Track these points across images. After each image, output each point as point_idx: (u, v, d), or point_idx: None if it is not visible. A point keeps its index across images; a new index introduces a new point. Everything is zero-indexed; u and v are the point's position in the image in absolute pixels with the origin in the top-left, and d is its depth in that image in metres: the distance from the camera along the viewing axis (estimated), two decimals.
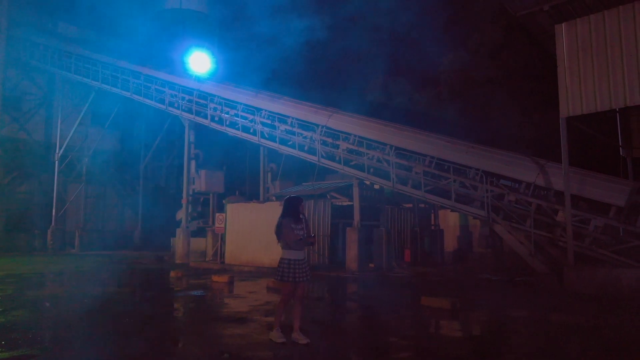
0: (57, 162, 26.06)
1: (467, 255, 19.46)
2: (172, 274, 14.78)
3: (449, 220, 21.80)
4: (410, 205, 19.24)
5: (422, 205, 19.54)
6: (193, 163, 20.47)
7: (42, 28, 28.03)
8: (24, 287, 11.85)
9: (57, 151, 26.14)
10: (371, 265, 16.52)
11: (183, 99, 20.49)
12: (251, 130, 18.45)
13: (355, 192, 16.18)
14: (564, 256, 12.10)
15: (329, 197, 17.98)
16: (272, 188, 21.65)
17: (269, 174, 21.72)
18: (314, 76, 26.31)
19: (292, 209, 6.54)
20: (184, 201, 20.32)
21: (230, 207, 17.75)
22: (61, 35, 28.35)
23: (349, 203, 18.02)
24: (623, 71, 11.50)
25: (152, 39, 28.96)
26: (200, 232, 21.55)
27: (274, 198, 18.99)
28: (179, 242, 19.98)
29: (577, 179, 12.78)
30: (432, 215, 20.13)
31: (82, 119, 26.24)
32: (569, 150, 12.54)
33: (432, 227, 19.97)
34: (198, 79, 21.44)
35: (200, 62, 26.47)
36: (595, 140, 14.73)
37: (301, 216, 6.62)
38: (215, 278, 13.54)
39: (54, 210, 25.83)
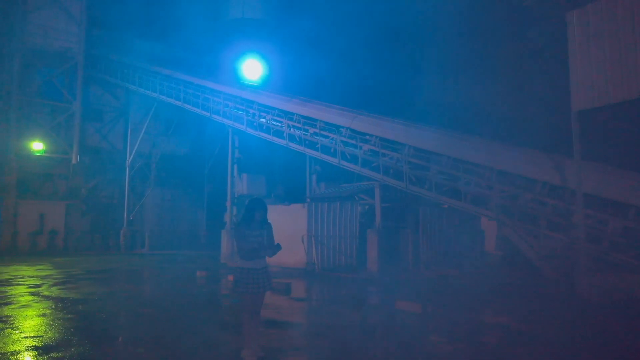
0: (127, 168, 28.34)
1: (512, 258, 18.49)
2: (198, 273, 15.64)
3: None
4: (446, 205, 18.67)
5: None
6: (236, 167, 21.40)
7: (117, 46, 30.61)
8: (56, 284, 13.24)
9: (127, 158, 28.43)
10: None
11: (226, 106, 21.50)
12: (285, 135, 18.98)
13: (377, 193, 16.13)
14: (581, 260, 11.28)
15: (357, 198, 17.99)
16: (317, 190, 22.02)
17: (314, 176, 22.12)
18: (365, 82, 26.19)
19: (248, 214, 5.86)
20: (228, 204, 21.31)
21: None
22: (134, 51, 30.76)
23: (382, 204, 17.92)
24: (636, 59, 10.52)
25: (210, 48, 30.47)
26: None
27: (308, 200, 19.35)
28: (223, 243, 21.00)
29: (596, 176, 11.84)
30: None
31: (149, 127, 28.32)
32: (598, 146, 11.72)
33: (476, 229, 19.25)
34: (242, 87, 22.37)
35: (253, 69, 27.60)
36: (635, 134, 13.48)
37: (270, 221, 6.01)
38: (230, 277, 14.21)
39: (125, 213, 28.15)
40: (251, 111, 20.47)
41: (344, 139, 16.61)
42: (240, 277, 5.69)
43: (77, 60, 28.34)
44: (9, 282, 13.47)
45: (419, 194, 14.64)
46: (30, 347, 6.52)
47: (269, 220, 6.04)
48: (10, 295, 11.19)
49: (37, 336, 7.10)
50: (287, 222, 16.92)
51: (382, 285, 13.36)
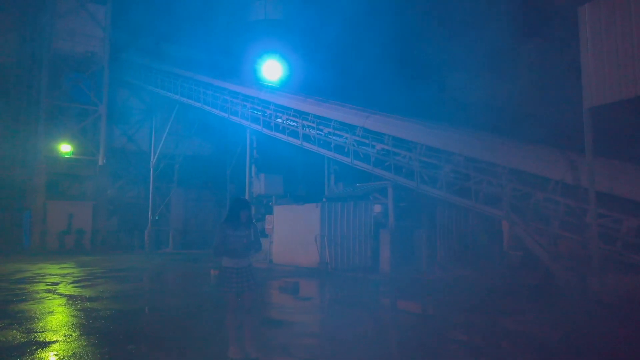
0: (152, 168, 28.94)
1: (529, 259, 18.10)
2: (212, 272, 15.83)
3: None
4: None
5: None
6: (253, 167, 21.61)
7: (141, 49, 31.29)
8: (74, 282, 13.65)
9: (151, 159, 29.04)
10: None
11: (244, 107, 21.73)
12: (300, 135, 19.07)
13: (390, 192, 16.06)
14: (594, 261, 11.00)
15: (371, 198, 17.93)
16: (335, 189, 22.05)
17: (332, 176, 22.16)
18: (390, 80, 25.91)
19: (232, 213, 5.80)
20: None
21: (276, 209, 18.54)
22: (156, 54, 31.40)
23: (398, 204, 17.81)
24: None
25: (231, 50, 30.80)
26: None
27: (324, 200, 19.37)
28: None
29: (610, 174, 11.52)
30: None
31: (172, 128, 28.84)
32: (611, 143, 11.44)
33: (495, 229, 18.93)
34: (260, 88, 22.56)
35: (273, 70, 27.78)
36: None
37: (254, 221, 6.11)
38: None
39: (150, 213, 28.76)
40: (268, 112, 20.65)
41: (357, 138, 16.60)
42: (223, 277, 5.69)
43: (102, 64, 29.06)
44: (30, 280, 13.97)
45: (429, 193, 14.51)
46: (30, 341, 6.76)
47: (254, 221, 6.10)
48: (28, 292, 11.61)
49: (39, 331, 7.35)
50: (301, 222, 17.04)
51: (391, 286, 13.30)
